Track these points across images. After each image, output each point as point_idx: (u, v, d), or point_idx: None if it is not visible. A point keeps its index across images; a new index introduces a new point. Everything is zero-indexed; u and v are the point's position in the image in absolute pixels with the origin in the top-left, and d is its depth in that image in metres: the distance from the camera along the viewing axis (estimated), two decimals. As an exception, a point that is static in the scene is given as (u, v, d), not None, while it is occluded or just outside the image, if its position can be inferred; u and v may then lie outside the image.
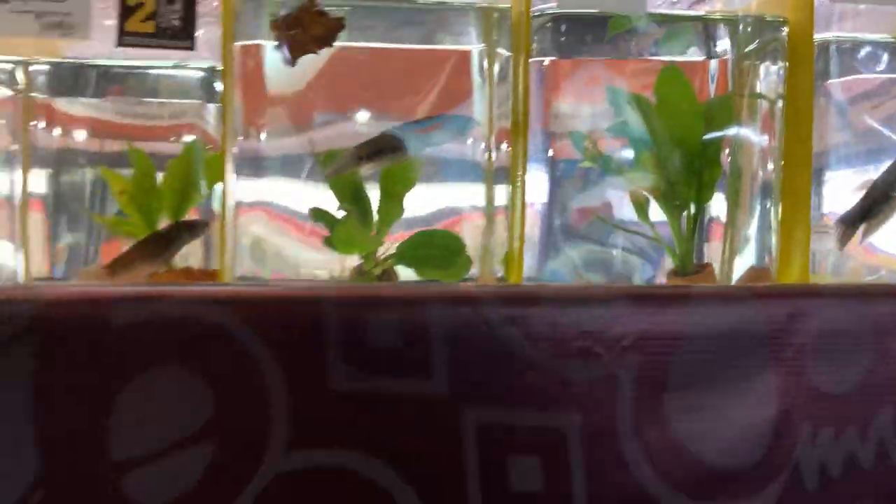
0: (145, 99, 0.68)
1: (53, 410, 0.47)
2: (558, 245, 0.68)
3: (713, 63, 0.68)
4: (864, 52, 0.72)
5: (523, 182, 0.66)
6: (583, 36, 0.68)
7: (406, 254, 0.64)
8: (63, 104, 0.67)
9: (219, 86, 0.67)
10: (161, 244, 0.65)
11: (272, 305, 0.50)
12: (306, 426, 0.49)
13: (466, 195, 0.66)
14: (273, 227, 0.65)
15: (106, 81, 0.67)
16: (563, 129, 0.68)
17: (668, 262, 0.67)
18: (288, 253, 0.65)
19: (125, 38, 0.62)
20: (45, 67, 0.67)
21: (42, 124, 0.67)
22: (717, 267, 0.68)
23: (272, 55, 0.63)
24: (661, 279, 0.68)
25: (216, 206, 0.67)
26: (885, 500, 0.56)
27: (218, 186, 0.67)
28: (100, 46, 0.64)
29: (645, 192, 0.67)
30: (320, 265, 0.65)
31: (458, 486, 0.50)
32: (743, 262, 0.69)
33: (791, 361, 0.55)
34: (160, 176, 0.67)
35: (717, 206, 0.68)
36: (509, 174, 0.67)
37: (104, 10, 0.63)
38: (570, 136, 0.67)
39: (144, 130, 0.68)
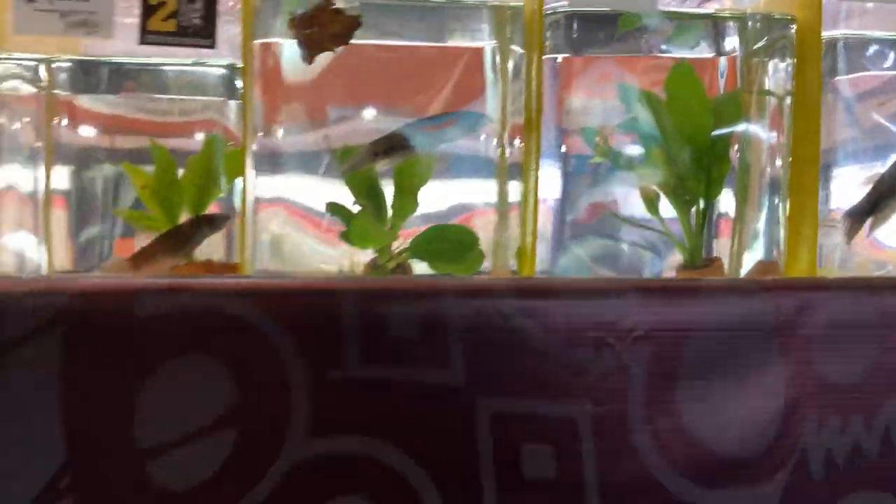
0: (166, 96, 0.69)
1: (80, 399, 0.48)
2: (570, 240, 0.69)
3: (722, 60, 0.69)
4: (871, 49, 0.72)
5: (536, 177, 0.67)
6: (595, 33, 0.68)
7: (420, 248, 0.65)
8: (85, 101, 0.68)
9: (239, 83, 0.68)
10: (182, 238, 0.66)
11: (293, 297, 0.51)
12: (326, 414, 0.50)
13: (479, 191, 0.67)
14: (290, 222, 0.65)
15: (126, 79, 0.68)
16: (576, 126, 0.69)
17: (678, 257, 0.68)
18: (303, 248, 0.66)
19: (147, 36, 0.63)
20: (68, 65, 0.68)
21: (64, 121, 0.68)
22: (725, 261, 0.69)
23: (290, 52, 0.63)
24: (669, 273, 0.68)
25: (237, 201, 0.68)
26: (889, 489, 0.57)
27: (236, 182, 0.68)
28: (121, 44, 0.65)
29: (655, 188, 0.67)
30: (329, 260, 0.65)
31: (472, 473, 0.51)
32: (751, 257, 0.70)
33: (799, 352, 0.55)
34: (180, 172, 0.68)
35: (726, 201, 0.69)
36: (522, 170, 0.67)
37: (127, 8, 0.64)
38: (582, 132, 0.68)
39: (165, 127, 0.69)
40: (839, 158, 0.72)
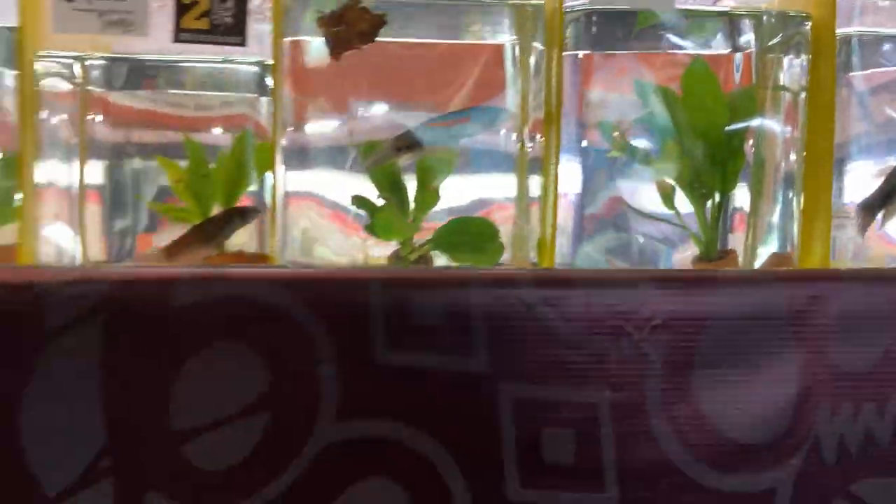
0: (199, 92, 0.70)
1: (120, 387, 0.49)
2: (588, 232, 0.70)
3: (738, 56, 0.69)
4: (884, 45, 0.73)
5: (556, 171, 0.68)
6: (614, 30, 0.69)
7: (442, 239, 0.66)
8: (118, 97, 0.70)
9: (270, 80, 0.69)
10: (214, 229, 0.68)
11: (325, 286, 0.52)
12: (355, 399, 0.51)
13: (500, 186, 0.68)
14: (315, 215, 0.67)
15: (160, 76, 0.70)
16: (596, 121, 0.69)
17: (694, 250, 0.69)
18: (329, 241, 0.67)
19: (181, 34, 0.64)
20: (101, 62, 0.69)
21: (99, 117, 0.69)
22: (740, 254, 0.69)
23: (317, 50, 0.65)
24: (682, 265, 0.69)
25: (268, 195, 0.69)
26: (901, 473, 0.58)
27: (266, 176, 0.69)
28: (154, 43, 0.67)
29: (671, 182, 0.68)
30: (345, 252, 0.66)
31: (494, 456, 0.52)
32: (766, 250, 0.70)
33: (812, 341, 0.56)
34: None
35: (741, 195, 0.69)
36: (542, 164, 0.68)
37: (161, 7, 0.66)
38: (599, 127, 0.69)
39: (196, 122, 0.71)
40: (853, 153, 0.72)
